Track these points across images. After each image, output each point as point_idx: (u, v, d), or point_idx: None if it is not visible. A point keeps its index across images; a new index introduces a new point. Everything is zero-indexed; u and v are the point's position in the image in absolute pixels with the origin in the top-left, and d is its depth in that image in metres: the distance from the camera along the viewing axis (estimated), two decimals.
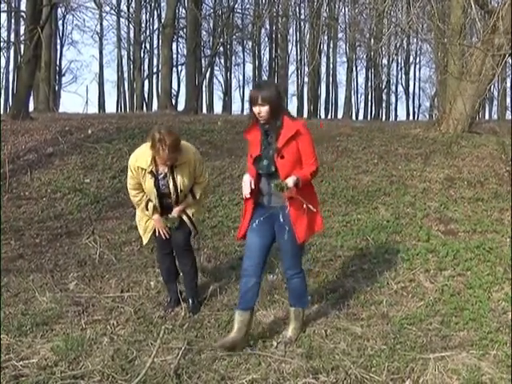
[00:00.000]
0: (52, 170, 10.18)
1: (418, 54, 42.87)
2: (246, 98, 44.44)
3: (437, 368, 4.11)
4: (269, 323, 4.95)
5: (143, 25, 37.89)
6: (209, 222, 7.75)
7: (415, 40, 32.96)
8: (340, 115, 39.18)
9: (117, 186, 9.47)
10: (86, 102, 49.26)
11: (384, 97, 43.44)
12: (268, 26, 37.32)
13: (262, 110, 4.29)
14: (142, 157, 5.02)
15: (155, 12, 37.50)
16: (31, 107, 20.10)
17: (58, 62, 36.64)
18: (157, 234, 5.28)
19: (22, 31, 27.79)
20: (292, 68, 41.15)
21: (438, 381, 3.97)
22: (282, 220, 4.43)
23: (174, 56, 33.16)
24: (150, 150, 4.89)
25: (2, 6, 24.12)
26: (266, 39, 40.15)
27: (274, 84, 4.57)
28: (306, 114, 33.79)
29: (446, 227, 7.64)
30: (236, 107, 44.03)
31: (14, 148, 11.46)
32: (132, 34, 37.14)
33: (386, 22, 16.15)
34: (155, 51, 38.97)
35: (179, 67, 38.90)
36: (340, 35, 38.27)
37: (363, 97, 44.68)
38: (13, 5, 31.60)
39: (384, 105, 43.60)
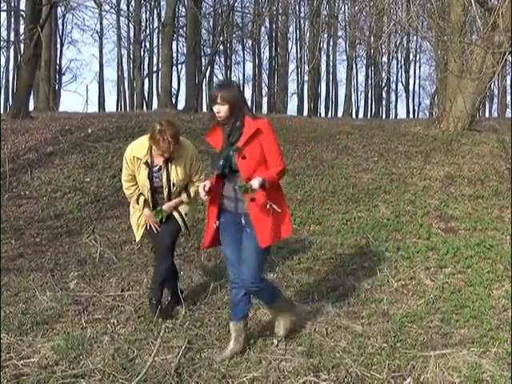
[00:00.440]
0: (52, 169, 10.17)
1: (417, 51, 42.87)
2: (247, 96, 44.34)
3: (437, 365, 4.11)
4: (269, 321, 4.93)
5: (143, 23, 37.88)
6: None
7: (415, 38, 33.07)
8: (340, 113, 39.20)
9: (117, 185, 9.45)
10: (86, 101, 49.23)
11: (384, 95, 43.44)
12: (268, 25, 37.37)
13: (221, 110, 4.11)
14: (138, 147, 4.98)
15: (155, 11, 37.43)
16: (31, 106, 20.11)
17: (57, 61, 36.61)
18: (148, 227, 5.17)
19: (21, 30, 27.81)
20: (292, 66, 41.22)
21: (438, 378, 3.96)
22: (243, 222, 4.22)
23: (174, 55, 33.14)
24: (148, 142, 4.86)
25: (2, 5, 24.10)
26: (266, 37, 40.16)
27: (235, 84, 4.30)
28: (306, 113, 33.79)
29: (446, 225, 7.65)
30: None
31: (14, 147, 11.46)
32: (132, 33, 37.12)
33: (386, 19, 16.16)
34: (155, 50, 38.97)
35: (179, 66, 38.90)
36: (340, 33, 38.35)
37: (363, 95, 44.73)
38: (12, 4, 31.61)
39: (384, 103, 43.59)
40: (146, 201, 5.09)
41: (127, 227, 7.68)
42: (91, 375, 3.98)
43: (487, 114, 35.54)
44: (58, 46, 37.42)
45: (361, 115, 41.92)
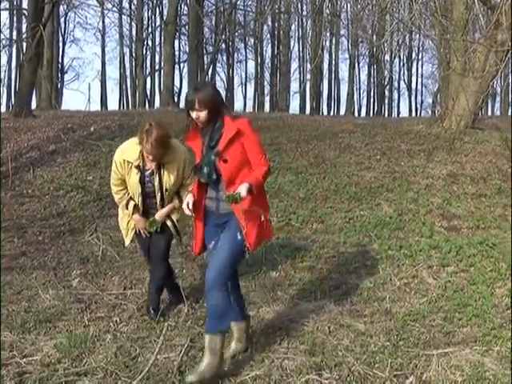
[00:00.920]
0: (54, 168, 10.19)
1: (420, 50, 42.84)
2: (249, 95, 44.47)
3: (440, 364, 4.10)
4: (272, 319, 4.94)
5: (145, 22, 37.83)
6: None
7: (418, 36, 33.03)
8: (342, 112, 39.17)
9: None
10: (89, 99, 49.11)
11: (386, 93, 43.44)
12: (270, 23, 37.36)
13: (201, 115, 3.89)
14: (129, 150, 4.80)
15: (157, 9, 37.45)
16: (33, 105, 20.07)
17: (60, 60, 36.62)
18: (137, 231, 5.05)
19: (24, 29, 27.83)
20: (294, 65, 41.22)
21: (441, 377, 3.96)
22: (226, 222, 4.01)
23: (176, 53, 33.07)
24: (139, 145, 4.69)
25: (4, 3, 24.11)
26: (268, 36, 40.13)
27: (211, 85, 4.08)
28: (308, 111, 33.77)
29: (449, 223, 7.64)
30: (238, 104, 44.02)
31: (16, 146, 11.48)
32: (134, 31, 37.16)
33: (389, 18, 16.13)
34: (157, 48, 38.93)
35: (181, 64, 38.86)
36: (342, 31, 38.34)
37: (365, 93, 44.68)
38: (15, 3, 31.60)
39: (386, 101, 43.62)
40: (135, 206, 4.93)
41: None
42: (94, 373, 3.98)
43: (490, 113, 35.49)
44: (61, 44, 37.40)
45: (363, 114, 41.93)
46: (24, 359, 4.18)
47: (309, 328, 4.76)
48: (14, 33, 34.94)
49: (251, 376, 3.93)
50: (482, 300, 5.34)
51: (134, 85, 37.46)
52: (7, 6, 29.84)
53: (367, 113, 41.98)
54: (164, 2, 35.06)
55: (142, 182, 4.82)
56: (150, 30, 39.12)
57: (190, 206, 3.96)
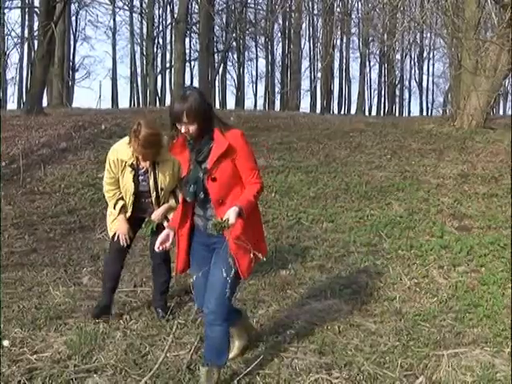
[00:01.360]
0: (65, 165, 10.23)
1: (431, 48, 42.66)
2: (260, 93, 44.45)
3: (450, 365, 4.08)
4: (281, 318, 4.93)
5: (156, 20, 37.94)
6: None
7: (429, 35, 32.84)
8: (353, 111, 39.07)
9: None
10: (100, 97, 49.41)
11: (397, 92, 43.26)
12: (281, 22, 37.31)
13: (190, 129, 3.44)
14: (123, 148, 4.67)
15: (168, 7, 37.44)
16: (45, 102, 20.18)
17: (71, 58, 36.77)
18: (115, 238, 4.87)
19: (35, 27, 27.96)
20: (305, 63, 41.11)
21: (451, 378, 3.94)
22: (215, 242, 3.60)
23: (187, 51, 33.19)
24: (129, 144, 4.59)
25: (16, 2, 24.23)
26: (279, 34, 40.12)
27: (197, 91, 3.51)
28: (319, 110, 33.72)
29: (459, 223, 7.61)
30: (249, 103, 44.05)
31: (27, 143, 11.53)
32: (145, 30, 37.16)
33: (400, 16, 16.06)
34: (168, 46, 39.04)
35: (192, 62, 38.94)
36: (353, 30, 38.06)
37: (376, 92, 44.56)
38: (26, 1, 31.77)
39: (397, 100, 43.43)
40: (123, 206, 4.80)
41: None
42: (103, 370, 3.99)
43: (501, 112, 35.31)
44: (72, 42, 37.59)
45: (374, 113, 41.81)
46: (34, 355, 4.19)
47: (318, 327, 4.75)
48: (26, 31, 35.16)
49: (261, 375, 3.92)
50: (493, 300, 5.31)
51: (145, 83, 37.51)
52: (19, 4, 30.03)
53: (378, 112, 41.86)
54: (175, 0, 35.12)
55: (135, 181, 4.71)
56: (160, 28, 39.25)
57: (169, 243, 3.70)
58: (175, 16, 27.14)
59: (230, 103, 41.99)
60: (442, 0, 12.67)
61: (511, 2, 10.44)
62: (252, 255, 3.49)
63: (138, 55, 40.83)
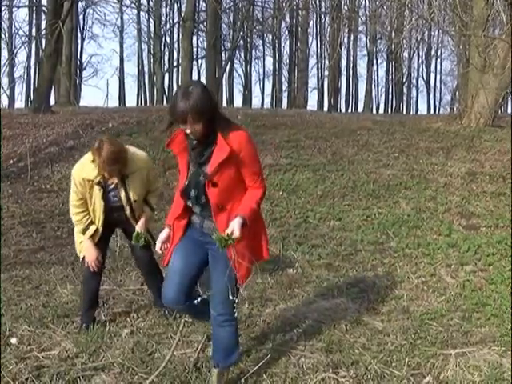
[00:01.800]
0: (73, 163, 10.15)
1: (439, 46, 42.51)
2: (267, 91, 44.41)
3: (458, 364, 4.07)
4: (288, 317, 4.93)
5: (163, 18, 37.95)
6: None
7: (437, 33, 32.75)
8: (360, 109, 39.01)
9: None
10: (107, 95, 49.65)
11: (405, 90, 43.14)
12: (288, 19, 37.25)
13: (197, 129, 3.18)
14: (87, 168, 4.44)
15: (175, 5, 37.47)
16: (52, 101, 20.24)
17: (78, 56, 36.85)
18: (85, 264, 4.69)
19: (43, 25, 28.05)
20: (312, 61, 41.07)
21: (458, 377, 3.92)
22: (211, 242, 3.34)
23: (194, 49, 33.17)
24: (93, 163, 4.39)
25: (24, 0, 24.28)
26: (287, 32, 40.10)
27: (201, 85, 3.20)
28: (326, 108, 33.68)
29: (467, 222, 7.58)
30: (256, 101, 44.07)
31: (35, 141, 11.57)
32: (152, 28, 37.21)
33: (408, 14, 16.02)
34: (175, 45, 39.05)
35: (199, 61, 38.98)
36: (360, 28, 38.00)
37: (384, 90, 44.50)
38: None
39: (405, 98, 43.33)
40: (96, 231, 4.61)
41: None
42: (111, 368, 3.99)
43: (510, 110, 35.15)
44: (79, 40, 37.66)
45: (381, 111, 41.74)
46: (42, 353, 4.21)
47: (326, 326, 4.74)
48: (34, 29, 35.28)
49: (268, 373, 3.92)
50: (501, 300, 5.28)
51: (152, 81, 37.56)
52: (27, 3, 30.11)
53: (385, 110, 41.79)
54: None
55: (104, 198, 4.53)
56: (168, 26, 39.27)
57: (159, 245, 3.60)
58: (182, 14, 27.12)
59: (238, 101, 42.06)
60: None
61: None
62: (249, 264, 3.41)
63: (145, 53, 41.00)
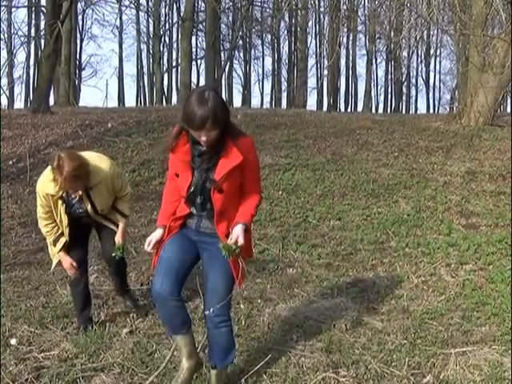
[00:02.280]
0: None
1: (438, 46, 42.50)
2: (266, 91, 44.38)
3: (458, 363, 4.06)
4: (288, 317, 4.92)
5: (162, 18, 37.96)
6: None
7: (436, 32, 32.76)
8: (360, 108, 39.01)
9: (136, 180, 9.51)
10: (106, 95, 49.60)
11: (404, 90, 43.13)
12: (287, 19, 37.26)
13: (212, 136, 3.11)
14: (48, 183, 4.29)
15: (174, 5, 37.33)
16: (51, 101, 20.24)
17: (77, 57, 36.81)
18: (69, 275, 4.71)
19: (42, 26, 28.05)
20: (311, 61, 41.05)
21: (459, 376, 3.92)
22: (207, 241, 3.42)
23: (194, 49, 33.20)
24: (54, 182, 4.23)
25: (23, 1, 24.29)
26: (286, 32, 40.09)
27: (215, 91, 3.12)
28: (325, 108, 33.68)
29: (467, 221, 7.58)
30: (255, 101, 44.05)
31: (34, 142, 11.57)
32: (151, 28, 37.21)
33: (407, 13, 16.03)
34: (174, 45, 39.07)
35: (198, 61, 38.96)
36: (360, 27, 37.99)
37: (383, 90, 44.47)
38: (33, 0, 31.83)
39: (404, 98, 43.31)
40: (66, 243, 4.54)
41: (147, 222, 7.72)
42: (110, 369, 3.99)
43: (509, 109, 35.15)
44: (78, 41, 37.62)
45: (381, 110, 41.72)
46: (41, 354, 4.20)
47: (326, 325, 4.74)
48: (33, 30, 35.26)
49: (268, 373, 3.91)
50: (501, 299, 5.28)
51: (152, 81, 37.57)
52: (26, 3, 30.11)
53: (385, 109, 41.77)
54: None
55: (67, 212, 4.44)
56: (167, 26, 39.31)
57: (151, 245, 3.48)
58: (181, 14, 27.13)
59: (237, 101, 42.02)
60: None
61: None
62: (243, 264, 3.38)
63: (144, 54, 40.99)
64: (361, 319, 4.89)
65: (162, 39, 38.13)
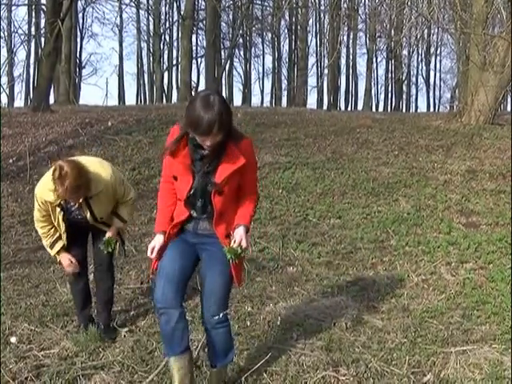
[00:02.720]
0: None
1: (439, 44, 42.43)
2: (266, 90, 44.37)
3: (458, 362, 4.06)
4: (288, 315, 4.92)
5: (163, 17, 37.88)
6: None
7: (436, 30, 32.74)
8: (360, 107, 38.97)
9: (136, 178, 9.51)
10: (106, 94, 49.48)
11: (404, 88, 43.07)
12: (288, 18, 37.20)
13: (217, 140, 3.08)
14: (47, 190, 4.21)
15: (174, 4, 37.28)
16: (52, 100, 20.22)
17: (78, 55, 36.76)
18: (67, 273, 4.69)
19: (42, 24, 28.03)
20: (312, 60, 40.98)
21: (459, 375, 3.92)
22: (206, 243, 3.40)
23: (194, 48, 33.12)
24: (53, 192, 4.14)
25: None
26: (286, 31, 39.99)
27: (219, 94, 3.10)
28: (326, 106, 33.65)
29: (467, 220, 7.58)
30: (256, 99, 43.98)
31: (34, 140, 11.56)
32: (151, 26, 37.16)
33: (407, 12, 16.02)
34: (175, 43, 38.96)
35: (199, 59, 38.85)
36: (360, 26, 37.94)
37: (383, 88, 44.38)
38: None
39: (404, 96, 43.25)
40: (63, 246, 4.47)
41: (147, 220, 7.72)
42: (110, 367, 3.98)
43: (509, 108, 35.14)
44: (78, 39, 37.53)
45: (381, 109, 41.64)
46: (41, 352, 4.20)
47: (326, 324, 4.74)
48: (33, 28, 35.22)
49: (268, 371, 3.91)
50: (501, 297, 5.28)
51: (152, 80, 37.54)
52: (26, 2, 30.09)
53: (385, 108, 41.70)
54: None
55: (65, 219, 4.36)
56: (167, 24, 39.21)
57: (155, 252, 3.42)
58: (182, 13, 27.12)
59: (237, 100, 41.97)
60: None
61: None
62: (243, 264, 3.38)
63: (144, 52, 40.93)
64: (361, 318, 4.88)
65: (163, 37, 38.10)
